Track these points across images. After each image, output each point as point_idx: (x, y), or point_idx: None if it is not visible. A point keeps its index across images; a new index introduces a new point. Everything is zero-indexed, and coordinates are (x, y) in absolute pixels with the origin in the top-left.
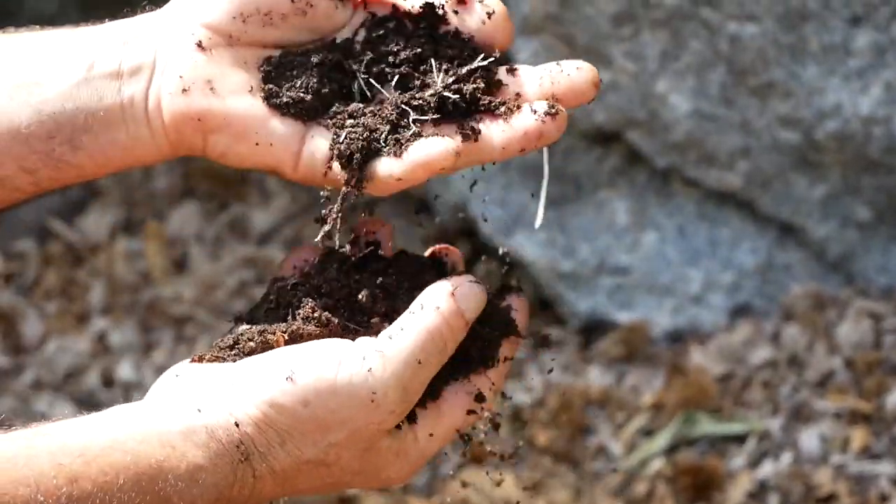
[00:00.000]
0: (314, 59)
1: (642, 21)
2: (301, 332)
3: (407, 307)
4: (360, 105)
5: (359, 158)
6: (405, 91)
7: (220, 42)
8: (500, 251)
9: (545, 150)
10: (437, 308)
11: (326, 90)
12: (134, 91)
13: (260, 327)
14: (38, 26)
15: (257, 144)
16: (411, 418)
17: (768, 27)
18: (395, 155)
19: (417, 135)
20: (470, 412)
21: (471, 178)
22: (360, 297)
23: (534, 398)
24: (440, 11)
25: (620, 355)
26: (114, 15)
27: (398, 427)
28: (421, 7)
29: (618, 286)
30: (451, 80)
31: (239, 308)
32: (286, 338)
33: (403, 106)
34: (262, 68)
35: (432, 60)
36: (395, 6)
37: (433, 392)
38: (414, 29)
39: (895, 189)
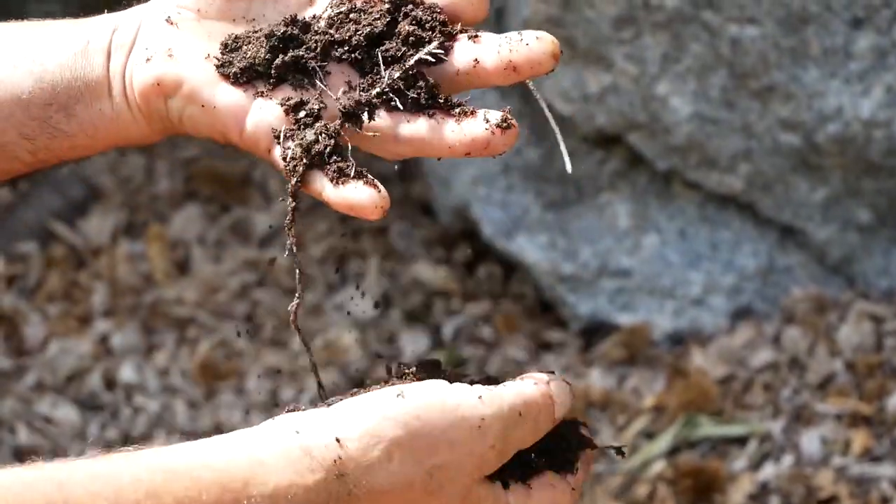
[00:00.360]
0: (265, 31)
1: (643, 24)
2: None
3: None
4: (307, 99)
5: (300, 169)
6: (360, 72)
7: (189, 17)
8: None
9: (542, 102)
10: (535, 384)
11: (279, 62)
12: (116, 65)
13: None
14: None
15: (203, 107)
16: (504, 483)
17: (769, 30)
18: (333, 182)
19: (359, 174)
20: None
21: (473, 180)
22: None
23: None
24: None
25: (622, 358)
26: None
27: (493, 482)
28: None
29: (619, 289)
30: (397, 74)
31: (240, 310)
32: None
33: (349, 108)
34: (222, 41)
35: (379, 53)
36: None
37: (523, 475)
38: (380, 3)
39: None
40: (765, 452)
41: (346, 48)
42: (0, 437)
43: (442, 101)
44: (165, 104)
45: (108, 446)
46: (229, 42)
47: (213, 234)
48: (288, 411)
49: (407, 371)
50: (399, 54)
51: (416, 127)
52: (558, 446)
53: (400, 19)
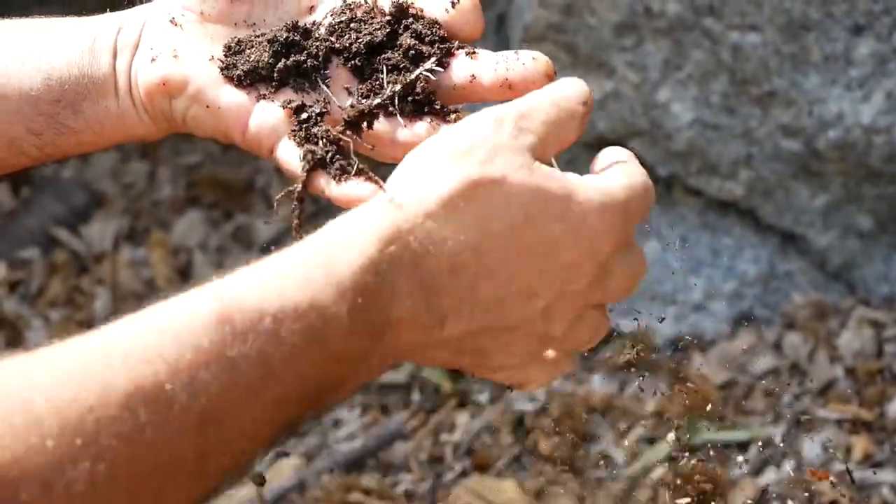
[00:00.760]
0: (268, 36)
1: (644, 30)
2: None
3: None
4: (309, 102)
5: (306, 168)
6: (360, 77)
7: (192, 18)
8: None
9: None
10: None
11: (281, 66)
12: (121, 64)
13: None
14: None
15: (208, 107)
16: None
17: (770, 36)
18: (336, 179)
19: (361, 171)
20: None
21: None
22: None
23: (537, 406)
24: (411, 10)
25: (623, 363)
26: None
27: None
28: (393, 7)
29: None
30: (398, 88)
31: None
32: None
33: (352, 117)
34: (225, 43)
35: (383, 65)
36: None
37: None
38: (380, 16)
39: None
40: (766, 458)
41: (347, 55)
42: None
43: (438, 107)
44: (170, 103)
45: None
46: (232, 45)
47: (214, 240)
48: None
49: None
50: (400, 65)
51: (414, 132)
52: None
53: (400, 31)
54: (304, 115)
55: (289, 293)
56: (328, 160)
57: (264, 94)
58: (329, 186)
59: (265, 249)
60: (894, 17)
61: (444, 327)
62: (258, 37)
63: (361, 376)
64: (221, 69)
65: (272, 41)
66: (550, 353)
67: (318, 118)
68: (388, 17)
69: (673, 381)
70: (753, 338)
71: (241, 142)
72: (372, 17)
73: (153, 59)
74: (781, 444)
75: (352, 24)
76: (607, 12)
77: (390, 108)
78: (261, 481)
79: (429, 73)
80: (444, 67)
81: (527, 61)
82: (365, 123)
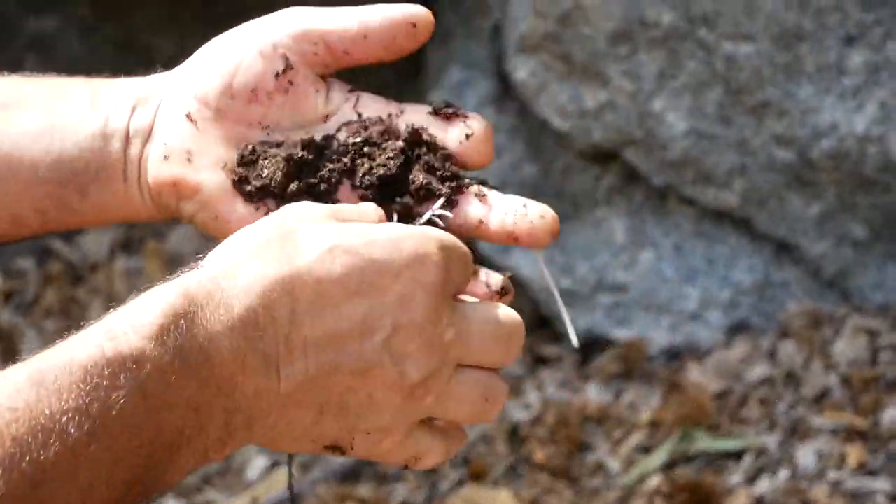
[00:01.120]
0: (283, 154)
1: (639, 40)
2: None
3: None
4: None
5: None
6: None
7: (208, 115)
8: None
9: (545, 270)
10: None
11: (293, 187)
12: (133, 152)
13: None
14: (54, 73)
15: (216, 218)
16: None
17: (764, 47)
18: None
19: None
20: None
21: None
22: None
23: (531, 415)
24: (425, 136)
25: (618, 372)
26: (114, 37)
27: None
28: (407, 133)
29: (615, 304)
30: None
31: None
32: None
33: None
34: (238, 151)
35: (394, 210)
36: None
37: None
38: (395, 140)
39: (890, 207)
40: (761, 466)
41: (359, 184)
42: None
43: None
44: (178, 203)
45: None
46: (246, 154)
47: (210, 250)
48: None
49: None
50: (410, 204)
51: None
52: None
53: (413, 160)
54: None
55: (95, 341)
56: None
57: (275, 209)
58: None
59: None
60: (886, 27)
61: (280, 373)
62: (273, 146)
63: (211, 432)
64: (234, 181)
65: (287, 159)
66: (438, 422)
67: None
68: (401, 145)
69: (668, 390)
70: (748, 346)
71: None
72: (387, 139)
73: (166, 157)
74: (776, 453)
75: (366, 149)
76: (602, 22)
77: None
78: None
79: (437, 218)
80: (453, 206)
81: (534, 218)
82: None
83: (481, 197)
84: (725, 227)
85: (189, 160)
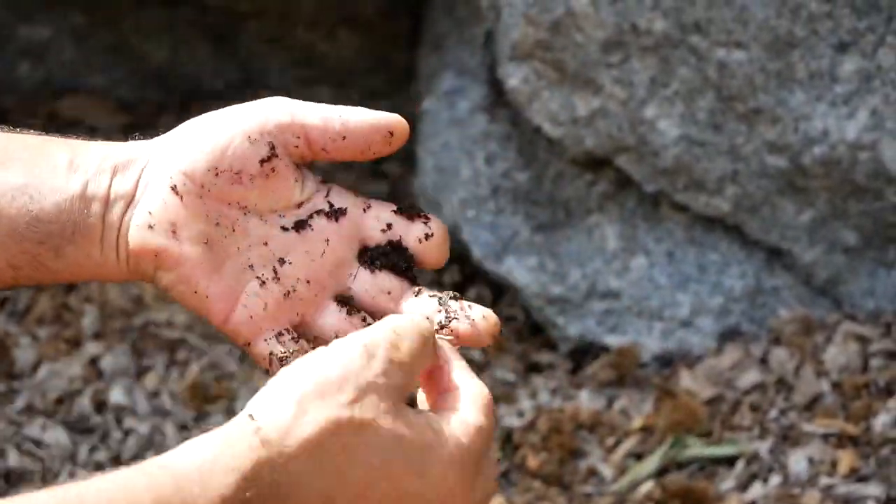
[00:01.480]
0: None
1: (631, 47)
2: None
3: None
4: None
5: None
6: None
7: (192, 190)
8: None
9: None
10: None
11: None
12: (113, 217)
13: None
14: (33, 131)
15: (195, 292)
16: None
17: (756, 54)
18: None
19: None
20: None
21: (462, 203)
22: None
23: (524, 421)
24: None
25: (610, 379)
26: (107, 44)
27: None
28: (386, 243)
29: (607, 310)
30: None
31: None
32: None
33: None
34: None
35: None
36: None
37: None
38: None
39: (881, 214)
40: (752, 473)
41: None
42: None
43: None
44: (154, 271)
45: (99, 468)
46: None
47: None
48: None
49: None
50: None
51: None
52: None
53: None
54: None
55: None
56: None
57: (251, 289)
58: None
59: None
60: (878, 34)
61: None
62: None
63: None
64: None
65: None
66: None
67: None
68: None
69: (660, 397)
70: (740, 353)
71: (220, 327)
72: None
73: (150, 227)
74: (768, 459)
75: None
76: (594, 29)
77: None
78: None
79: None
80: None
81: (477, 317)
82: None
83: (418, 293)
84: (717, 233)
85: (174, 232)
